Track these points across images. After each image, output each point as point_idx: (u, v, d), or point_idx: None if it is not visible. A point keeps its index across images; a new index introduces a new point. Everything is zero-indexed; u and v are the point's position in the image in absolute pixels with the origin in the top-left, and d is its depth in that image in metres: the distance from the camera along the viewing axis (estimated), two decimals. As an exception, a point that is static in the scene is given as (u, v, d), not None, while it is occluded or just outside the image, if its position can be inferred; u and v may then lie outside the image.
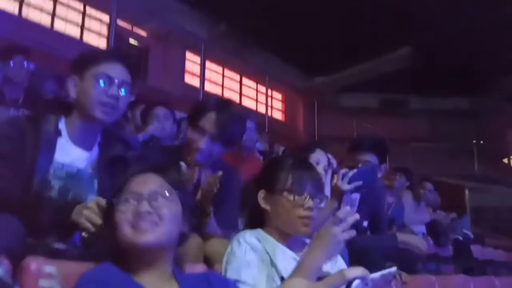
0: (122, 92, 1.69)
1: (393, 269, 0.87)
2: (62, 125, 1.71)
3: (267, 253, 1.52)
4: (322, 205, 1.59)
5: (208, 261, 1.84)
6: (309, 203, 1.54)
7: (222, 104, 2.13)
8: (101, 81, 1.65)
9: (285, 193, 1.56)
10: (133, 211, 1.19)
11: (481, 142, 14.96)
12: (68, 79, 1.72)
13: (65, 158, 1.68)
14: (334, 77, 14.27)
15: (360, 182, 2.49)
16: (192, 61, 12.63)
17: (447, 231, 5.16)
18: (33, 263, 1.25)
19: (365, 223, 2.93)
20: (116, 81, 1.67)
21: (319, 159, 2.74)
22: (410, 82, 13.29)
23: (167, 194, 1.24)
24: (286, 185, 1.57)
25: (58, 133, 1.68)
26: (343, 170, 2.53)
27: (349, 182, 2.50)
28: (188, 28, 11.53)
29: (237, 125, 2.11)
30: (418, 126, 15.31)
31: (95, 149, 1.77)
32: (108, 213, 1.27)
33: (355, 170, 2.53)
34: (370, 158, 2.88)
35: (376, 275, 0.83)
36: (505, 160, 15.71)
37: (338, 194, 2.51)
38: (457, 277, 3.51)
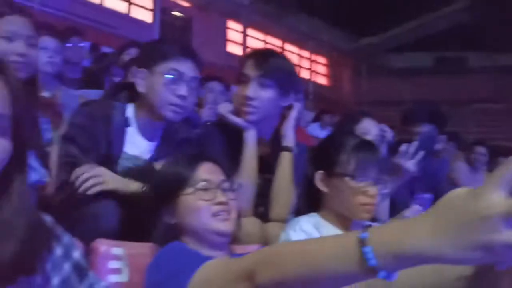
0: (192, 88, 1.65)
1: None
2: (130, 114, 1.69)
3: None
4: (386, 190, 1.53)
5: (267, 243, 1.77)
6: (373, 190, 1.46)
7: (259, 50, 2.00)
8: (170, 79, 1.61)
9: (346, 178, 1.46)
10: (214, 199, 1.25)
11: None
12: (136, 71, 1.68)
13: (134, 149, 1.67)
14: (382, 37, 13.74)
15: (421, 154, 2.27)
16: (233, 29, 12.49)
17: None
18: (102, 246, 1.28)
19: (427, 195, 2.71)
20: (185, 79, 1.62)
21: (368, 129, 2.47)
22: (468, 38, 12.53)
23: (232, 185, 1.32)
24: (348, 169, 1.47)
25: (126, 122, 1.67)
26: (402, 147, 2.27)
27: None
28: (229, -5, 11.34)
29: (281, 61, 1.86)
30: (480, 86, 14.47)
31: (159, 137, 1.75)
32: (171, 194, 1.28)
33: (413, 145, 2.28)
34: (427, 128, 2.73)
35: None
36: None
37: (399, 174, 2.26)
38: None
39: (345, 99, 14.40)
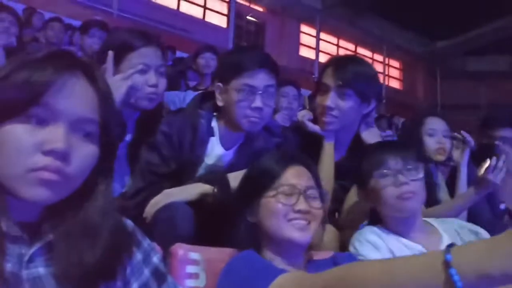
0: (268, 98, 1.62)
1: None
2: (214, 124, 1.68)
3: (391, 251, 1.42)
4: (421, 175, 1.44)
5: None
6: (400, 179, 1.42)
7: (338, 58, 1.96)
8: (244, 95, 1.58)
9: (372, 180, 1.46)
10: (294, 205, 1.20)
11: None
12: (216, 85, 1.68)
13: (212, 158, 1.67)
14: (457, 40, 13.31)
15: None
16: (306, 33, 12.60)
17: None
18: (181, 250, 1.26)
19: (503, 206, 2.57)
20: (259, 91, 1.59)
21: (434, 128, 2.35)
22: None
23: (315, 192, 1.25)
24: (372, 171, 1.45)
25: (211, 132, 1.66)
26: (492, 161, 2.08)
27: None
28: (303, 0, 11.42)
29: (361, 69, 1.85)
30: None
31: (237, 147, 1.74)
32: (255, 194, 1.25)
33: (502, 159, 2.10)
34: (508, 133, 2.56)
35: None
36: None
37: (485, 185, 2.08)
38: None
39: (419, 103, 14.16)
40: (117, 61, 1.64)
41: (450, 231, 1.48)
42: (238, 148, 1.70)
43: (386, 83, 13.90)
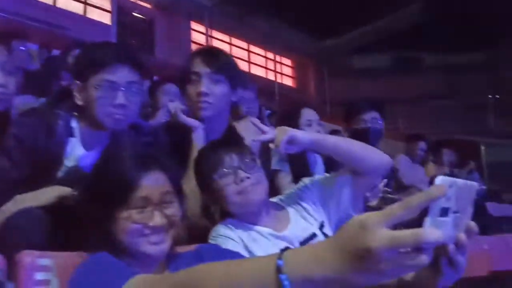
0: (132, 95, 1.56)
1: (475, 183, 0.70)
2: (74, 124, 1.60)
3: (242, 241, 1.44)
4: (259, 165, 1.46)
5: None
6: (240, 175, 1.42)
7: (205, 48, 2.00)
8: (104, 91, 1.52)
9: (213, 183, 1.45)
10: (148, 222, 1.16)
11: (497, 96, 14.61)
12: (73, 83, 1.59)
13: (73, 161, 1.58)
14: (344, 39, 13.94)
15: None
16: (198, 31, 12.47)
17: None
18: (27, 257, 1.21)
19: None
20: (121, 86, 1.53)
21: (310, 119, 2.47)
22: (423, 38, 12.92)
23: (172, 197, 1.22)
24: (211, 173, 1.45)
25: (71, 133, 1.58)
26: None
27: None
28: (192, -4, 11.34)
29: (228, 57, 1.91)
30: (433, 84, 14.95)
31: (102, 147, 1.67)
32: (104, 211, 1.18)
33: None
34: (374, 115, 2.81)
35: (460, 180, 0.65)
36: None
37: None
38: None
39: (310, 101, 14.64)
40: None
41: (294, 204, 1.54)
42: (103, 149, 1.61)
43: (279, 80, 14.13)
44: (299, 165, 2.41)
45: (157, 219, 1.14)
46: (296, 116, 2.43)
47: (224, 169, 1.43)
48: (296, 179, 2.23)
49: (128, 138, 1.66)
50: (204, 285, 0.72)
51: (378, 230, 0.59)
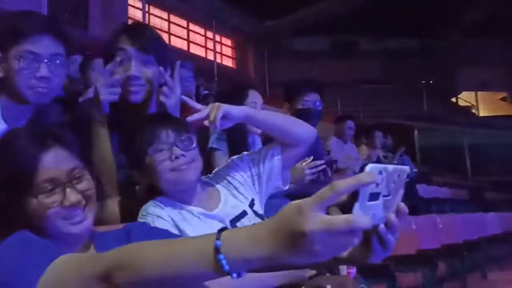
0: (55, 67, 1.50)
1: (406, 167, 0.74)
2: None
3: (173, 220, 1.42)
4: (194, 144, 1.44)
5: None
6: (175, 151, 1.40)
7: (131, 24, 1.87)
8: (26, 63, 1.46)
9: (147, 157, 1.42)
10: (62, 201, 1.09)
11: (430, 82, 15.21)
12: None
13: None
14: (284, 21, 14.00)
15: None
16: (135, 7, 12.03)
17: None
18: None
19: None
20: (44, 58, 1.47)
21: (255, 102, 2.48)
22: (361, 23, 13.18)
23: (81, 171, 1.15)
24: (146, 148, 1.42)
25: None
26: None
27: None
28: (129, -29, 10.98)
29: (156, 34, 1.79)
30: (369, 68, 15.38)
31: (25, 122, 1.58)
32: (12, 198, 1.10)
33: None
34: (317, 98, 2.86)
35: (389, 166, 0.69)
36: (453, 99, 16.08)
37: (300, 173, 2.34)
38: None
39: (251, 82, 14.61)
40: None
41: (224, 183, 1.56)
42: (27, 123, 1.54)
43: (219, 61, 13.98)
44: (239, 145, 2.36)
45: (71, 197, 1.08)
46: (242, 97, 2.41)
47: (160, 145, 1.40)
48: None
49: (48, 110, 1.61)
50: (140, 263, 0.72)
51: (313, 214, 0.62)
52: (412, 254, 3.02)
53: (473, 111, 15.03)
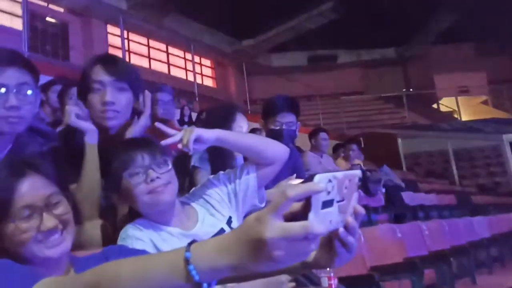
0: (24, 96, 1.52)
1: (358, 171, 0.76)
2: None
3: (152, 241, 1.43)
4: (169, 166, 1.46)
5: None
6: (151, 174, 1.41)
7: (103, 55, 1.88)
8: None
9: (123, 181, 1.43)
10: (39, 227, 1.12)
11: (410, 89, 15.39)
12: None
13: None
14: (261, 39, 14.18)
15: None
16: (114, 34, 12.12)
17: (375, 180, 5.20)
18: None
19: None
20: (11, 89, 1.50)
21: (241, 125, 2.51)
22: (337, 37, 13.37)
23: (58, 197, 1.18)
24: (122, 172, 1.43)
25: None
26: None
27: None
28: (106, 0, 11.01)
29: (128, 64, 1.89)
30: (348, 80, 15.55)
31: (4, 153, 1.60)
32: None
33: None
34: (289, 117, 2.86)
35: (339, 173, 0.71)
36: (435, 106, 16.26)
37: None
38: (382, 226, 3.50)
39: (232, 99, 14.67)
40: None
41: (202, 202, 1.58)
42: (8, 154, 1.57)
43: (200, 81, 14.05)
44: (221, 165, 2.36)
45: (48, 222, 1.10)
46: (231, 119, 2.43)
47: (135, 168, 1.42)
48: None
49: (29, 142, 1.61)
50: (115, 281, 0.73)
51: (270, 222, 0.64)
52: (400, 262, 3.01)
53: (455, 116, 15.18)
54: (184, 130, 1.49)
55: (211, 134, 1.49)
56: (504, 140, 10.22)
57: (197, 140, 1.45)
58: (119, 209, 1.63)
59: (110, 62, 1.77)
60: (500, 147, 10.36)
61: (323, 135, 5.06)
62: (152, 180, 1.41)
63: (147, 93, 1.83)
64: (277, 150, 1.59)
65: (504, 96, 14.77)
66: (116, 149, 1.50)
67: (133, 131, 1.75)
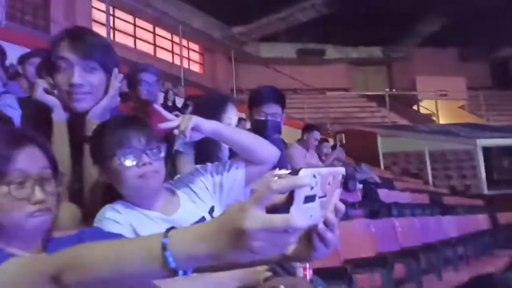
0: None
1: (342, 169, 0.78)
2: None
3: (131, 225, 1.41)
4: (163, 154, 1.45)
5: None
6: (144, 159, 1.40)
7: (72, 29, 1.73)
8: None
9: (114, 159, 1.40)
10: (30, 198, 1.10)
11: (393, 90, 15.56)
12: None
13: None
14: (251, 27, 14.07)
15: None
16: (99, 9, 11.76)
17: (354, 176, 5.31)
18: None
19: None
20: None
21: (231, 117, 2.50)
22: (326, 32, 13.42)
23: (49, 173, 1.16)
24: (115, 150, 1.40)
25: None
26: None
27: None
28: (93, -28, 10.82)
29: (98, 39, 1.70)
30: (334, 76, 15.64)
31: None
32: None
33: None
34: (274, 108, 2.84)
35: (323, 169, 0.72)
36: (415, 107, 16.49)
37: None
38: (357, 221, 3.59)
39: (218, 87, 14.58)
40: None
41: (185, 189, 1.57)
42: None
43: (186, 66, 13.92)
44: (207, 155, 2.36)
45: (38, 195, 1.09)
46: (222, 110, 2.43)
47: (130, 149, 1.39)
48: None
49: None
50: (88, 263, 0.72)
51: (252, 212, 0.65)
52: (372, 256, 3.10)
53: (434, 118, 15.42)
54: (182, 117, 1.48)
55: (209, 125, 1.49)
56: (478, 144, 10.49)
57: (194, 129, 1.45)
58: (95, 187, 1.59)
59: (78, 38, 1.61)
60: (473, 151, 10.63)
61: (316, 134, 5.11)
62: (144, 164, 1.39)
63: (116, 71, 1.70)
64: (269, 152, 1.59)
65: (480, 102, 15.07)
66: (111, 124, 1.47)
67: (94, 111, 1.63)
